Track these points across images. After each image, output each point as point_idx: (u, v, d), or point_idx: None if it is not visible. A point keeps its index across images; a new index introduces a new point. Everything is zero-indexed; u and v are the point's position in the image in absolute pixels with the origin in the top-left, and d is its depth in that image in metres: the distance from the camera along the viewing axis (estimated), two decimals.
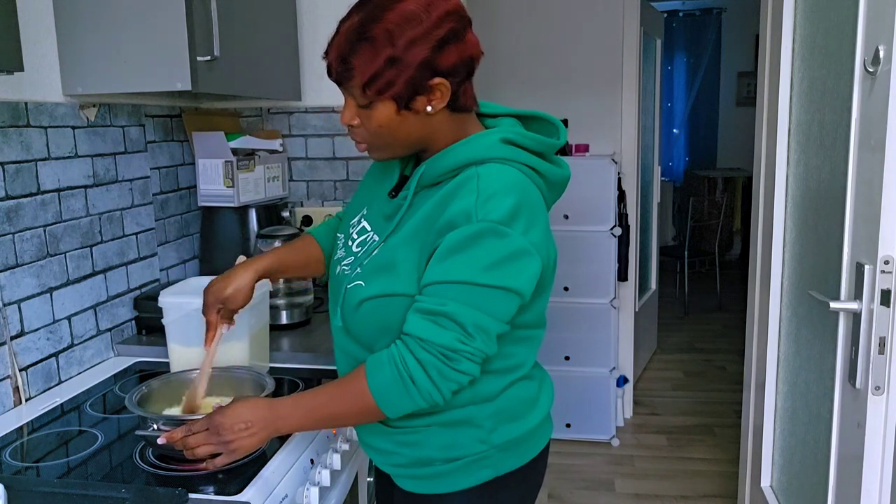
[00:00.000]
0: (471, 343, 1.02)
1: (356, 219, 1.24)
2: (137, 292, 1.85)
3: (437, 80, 1.04)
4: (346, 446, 1.45)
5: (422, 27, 1.01)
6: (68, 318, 1.59)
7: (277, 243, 1.89)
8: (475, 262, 1.01)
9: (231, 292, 1.27)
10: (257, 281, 1.30)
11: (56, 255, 1.55)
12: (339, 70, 1.05)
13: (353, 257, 1.18)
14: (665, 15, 6.28)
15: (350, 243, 1.21)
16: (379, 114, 1.06)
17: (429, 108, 1.06)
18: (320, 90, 2.20)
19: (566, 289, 3.13)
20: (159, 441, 1.12)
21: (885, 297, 1.25)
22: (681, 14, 6.76)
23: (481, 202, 1.02)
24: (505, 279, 1.03)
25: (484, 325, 1.03)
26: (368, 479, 1.64)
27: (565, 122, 1.22)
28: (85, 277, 1.65)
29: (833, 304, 1.35)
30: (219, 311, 1.28)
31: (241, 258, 1.45)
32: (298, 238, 1.43)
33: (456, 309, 1.01)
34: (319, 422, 1.13)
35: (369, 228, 1.19)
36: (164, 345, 1.56)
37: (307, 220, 2.25)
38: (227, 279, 1.28)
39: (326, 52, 1.07)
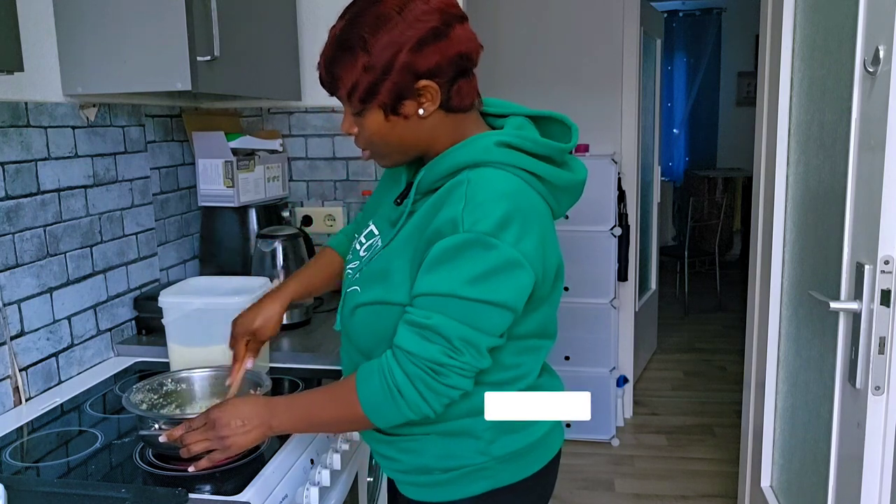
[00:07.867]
0: (459, 357, 0.99)
1: (368, 222, 1.23)
2: (137, 292, 1.85)
3: (423, 82, 1.00)
4: (346, 446, 1.45)
5: (396, 30, 0.97)
6: (68, 318, 1.59)
7: (277, 243, 1.89)
8: (459, 275, 0.97)
9: (260, 323, 1.26)
10: (286, 309, 1.29)
11: (56, 255, 1.55)
12: (327, 80, 1.05)
13: (358, 261, 1.17)
14: (665, 15, 6.28)
15: (359, 247, 1.20)
16: (370, 122, 1.04)
17: (420, 112, 1.02)
18: (320, 90, 2.15)
19: (566, 289, 3.12)
20: (161, 440, 1.12)
21: (885, 297, 1.25)
22: (681, 14, 6.77)
23: (469, 210, 0.98)
24: (491, 293, 0.98)
25: (471, 340, 0.99)
26: (368, 480, 1.64)
27: None
28: (85, 277, 1.65)
29: (833, 304, 1.35)
30: (247, 344, 1.27)
31: (276, 282, 1.43)
32: (319, 253, 1.40)
33: (441, 322, 0.98)
34: (313, 426, 1.13)
35: (377, 233, 1.17)
36: (164, 345, 1.56)
37: (307, 220, 2.26)
38: (256, 311, 1.27)
39: (318, 63, 1.06)
